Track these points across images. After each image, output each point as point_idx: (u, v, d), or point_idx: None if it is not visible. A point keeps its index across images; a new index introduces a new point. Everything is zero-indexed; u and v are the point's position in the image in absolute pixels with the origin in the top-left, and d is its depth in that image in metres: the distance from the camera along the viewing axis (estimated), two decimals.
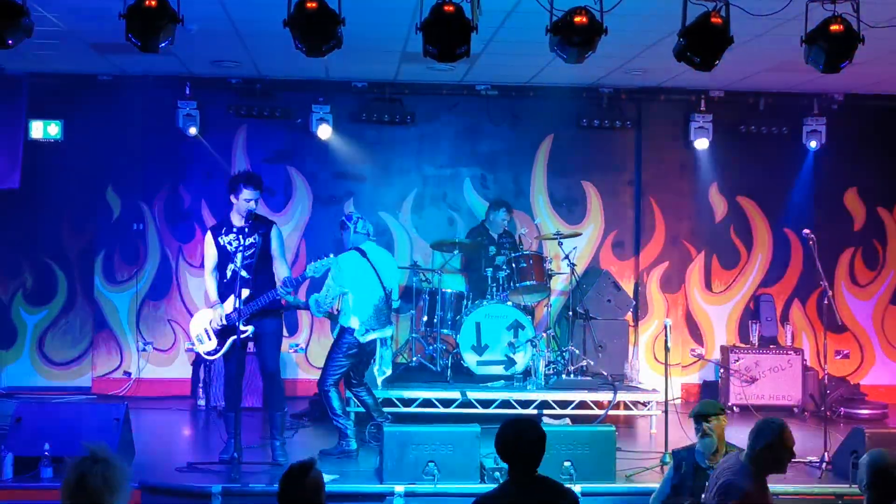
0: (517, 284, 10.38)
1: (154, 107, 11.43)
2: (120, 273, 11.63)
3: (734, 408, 11.04)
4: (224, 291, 8.25)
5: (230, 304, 8.02)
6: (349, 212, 9.11)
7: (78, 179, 11.59)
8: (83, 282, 11.72)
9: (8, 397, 10.77)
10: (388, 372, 9.07)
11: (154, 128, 11.54)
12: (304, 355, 11.60)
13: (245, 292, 8.04)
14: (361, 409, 9.22)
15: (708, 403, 6.35)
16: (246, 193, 8.13)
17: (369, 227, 8.91)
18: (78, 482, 3.66)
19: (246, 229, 8.13)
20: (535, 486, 4.79)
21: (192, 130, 11.36)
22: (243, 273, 8.09)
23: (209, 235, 8.41)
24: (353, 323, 8.58)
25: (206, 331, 8.32)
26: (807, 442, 9.71)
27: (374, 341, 8.73)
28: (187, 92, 11.36)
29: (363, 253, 8.68)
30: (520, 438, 4.81)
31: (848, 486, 7.55)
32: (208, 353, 8.43)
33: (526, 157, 12.02)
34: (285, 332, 9.41)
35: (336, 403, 8.58)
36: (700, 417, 6.13)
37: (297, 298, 8.78)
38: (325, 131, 11.42)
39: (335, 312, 8.92)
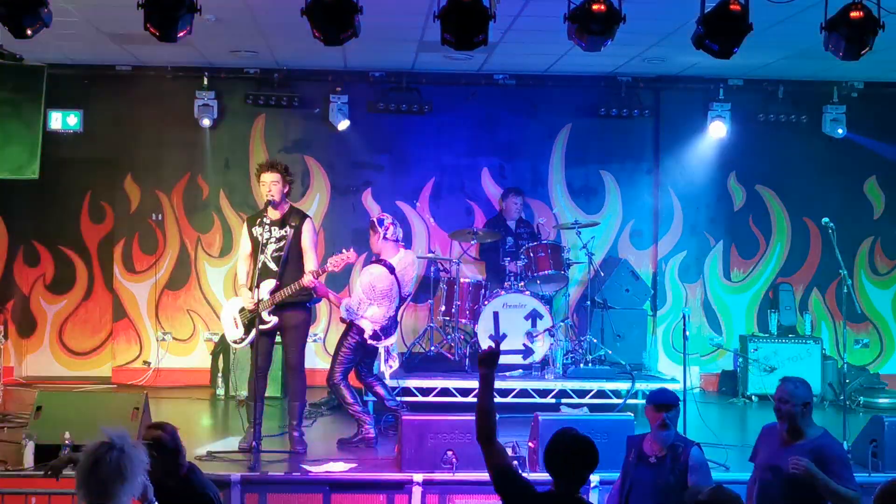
0: (535, 274, 10.38)
1: (172, 97, 11.51)
2: (139, 263, 11.68)
3: (753, 397, 11.04)
4: (255, 281, 8.27)
5: (258, 293, 8.04)
6: (381, 216, 8.99)
7: (97, 170, 11.66)
8: (102, 272, 11.79)
9: (28, 386, 10.84)
10: (395, 366, 9.10)
11: (172, 118, 11.59)
12: (323, 345, 11.63)
13: (272, 283, 8.06)
14: (375, 399, 9.24)
15: (669, 392, 5.92)
16: (263, 178, 8.16)
17: (399, 233, 8.89)
18: (91, 467, 3.68)
19: (278, 221, 8.16)
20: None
21: (206, 122, 11.41)
22: (271, 265, 8.12)
23: (245, 225, 8.47)
24: (365, 326, 8.59)
25: (235, 319, 8.36)
26: None
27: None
28: (205, 82, 11.41)
29: (392, 270, 8.67)
30: (557, 452, 4.45)
31: (867, 475, 7.50)
32: (234, 341, 8.48)
33: (544, 146, 11.98)
34: None
35: (348, 394, 8.59)
36: (665, 407, 5.68)
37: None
38: (343, 122, 11.43)
39: None
